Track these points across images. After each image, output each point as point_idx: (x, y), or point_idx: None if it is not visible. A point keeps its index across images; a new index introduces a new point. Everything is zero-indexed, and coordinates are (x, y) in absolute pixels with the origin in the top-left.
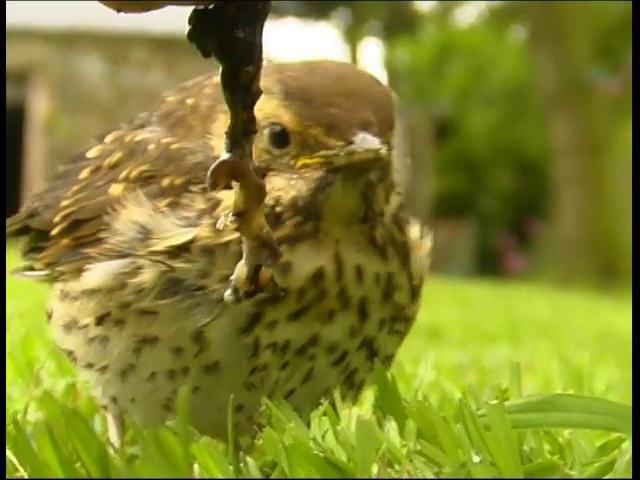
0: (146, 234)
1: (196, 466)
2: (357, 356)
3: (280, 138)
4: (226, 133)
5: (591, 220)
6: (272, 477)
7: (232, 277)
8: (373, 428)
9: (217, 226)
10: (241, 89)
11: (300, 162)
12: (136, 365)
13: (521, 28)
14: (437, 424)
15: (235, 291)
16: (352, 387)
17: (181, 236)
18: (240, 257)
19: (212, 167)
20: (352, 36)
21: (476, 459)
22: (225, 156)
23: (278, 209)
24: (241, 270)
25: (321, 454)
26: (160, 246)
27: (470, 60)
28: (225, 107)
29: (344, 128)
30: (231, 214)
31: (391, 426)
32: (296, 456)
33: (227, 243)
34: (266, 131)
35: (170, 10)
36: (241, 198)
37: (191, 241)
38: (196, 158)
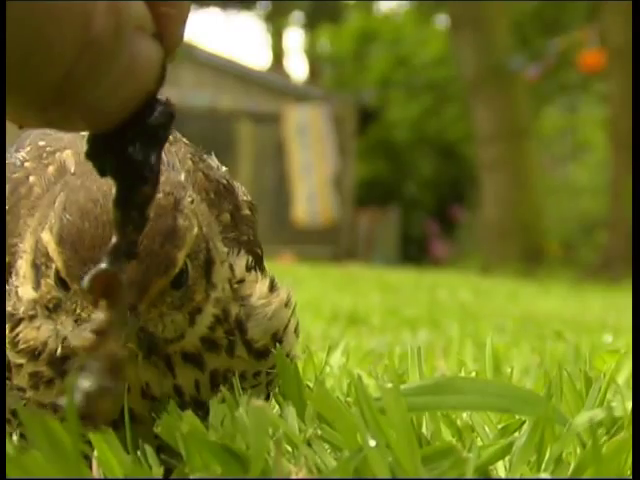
0: None
1: (95, 453)
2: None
3: (61, 281)
4: (109, 250)
5: (513, 205)
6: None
7: (60, 402)
8: (267, 413)
9: (73, 341)
10: (135, 209)
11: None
12: None
13: (443, 16)
14: (335, 409)
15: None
16: None
17: None
18: None
19: (91, 273)
20: (274, 26)
21: (372, 443)
22: (105, 265)
23: (64, 353)
24: (81, 390)
25: (219, 441)
26: None
27: (393, 48)
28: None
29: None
30: (89, 329)
31: (289, 411)
32: (193, 443)
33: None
34: (53, 270)
35: None
36: (106, 317)
37: None
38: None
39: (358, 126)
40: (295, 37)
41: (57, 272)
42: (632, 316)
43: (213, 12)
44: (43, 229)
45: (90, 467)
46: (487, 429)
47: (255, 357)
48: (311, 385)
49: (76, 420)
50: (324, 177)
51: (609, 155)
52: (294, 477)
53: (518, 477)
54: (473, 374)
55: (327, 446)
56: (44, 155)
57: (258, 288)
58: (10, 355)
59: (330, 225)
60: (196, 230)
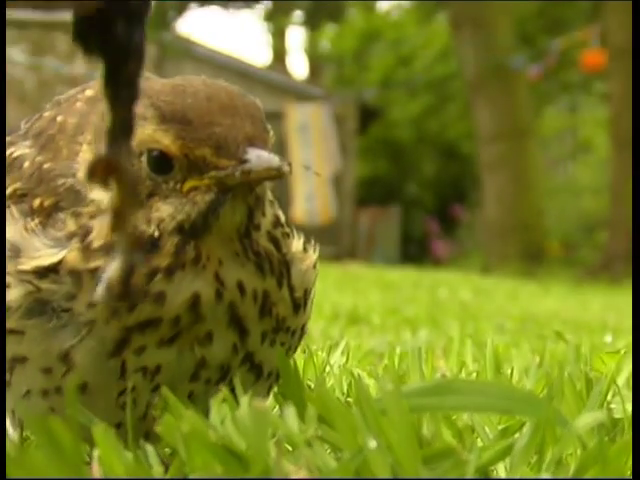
0: (16, 252)
1: (95, 453)
2: (239, 371)
3: (162, 163)
4: (106, 130)
5: (514, 205)
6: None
7: (103, 275)
8: (268, 414)
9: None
10: (123, 86)
11: (188, 185)
12: (11, 383)
13: (444, 15)
14: (335, 409)
15: (108, 290)
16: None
17: (49, 257)
18: None
19: (90, 162)
20: (275, 24)
21: (372, 444)
22: (103, 152)
23: (158, 235)
24: (113, 269)
25: (219, 441)
26: (28, 265)
27: (394, 47)
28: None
29: (233, 146)
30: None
31: (290, 412)
32: (194, 443)
33: (95, 269)
34: (144, 158)
35: None
36: (117, 196)
37: (59, 263)
38: (66, 182)
39: (359, 125)
40: (296, 36)
41: (155, 157)
42: (632, 316)
43: (214, 10)
44: None
45: (90, 467)
46: (488, 430)
47: (293, 305)
48: (311, 385)
49: (76, 418)
50: (323, 176)
51: (610, 155)
52: (294, 477)
53: (518, 478)
54: (473, 374)
55: (327, 447)
56: (62, 100)
57: (295, 243)
58: (81, 264)
59: (330, 224)
60: None
